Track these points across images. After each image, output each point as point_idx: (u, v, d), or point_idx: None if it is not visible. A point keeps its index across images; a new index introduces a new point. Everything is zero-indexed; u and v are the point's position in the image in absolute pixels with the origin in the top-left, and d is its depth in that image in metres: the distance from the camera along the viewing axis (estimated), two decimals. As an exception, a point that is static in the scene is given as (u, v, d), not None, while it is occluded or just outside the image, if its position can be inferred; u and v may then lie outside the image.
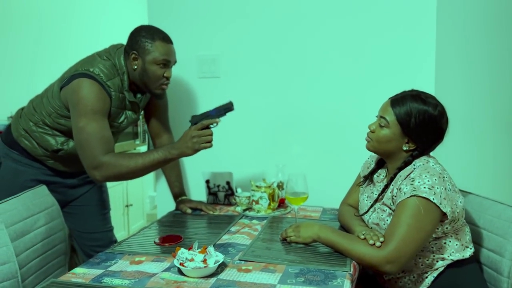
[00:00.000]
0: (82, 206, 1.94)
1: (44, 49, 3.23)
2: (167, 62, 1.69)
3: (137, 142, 3.56)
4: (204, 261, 1.19)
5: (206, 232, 1.59)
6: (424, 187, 1.24)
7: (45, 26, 3.27)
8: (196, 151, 1.61)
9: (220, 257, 1.22)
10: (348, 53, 1.92)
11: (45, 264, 1.64)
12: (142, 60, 1.67)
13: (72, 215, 1.92)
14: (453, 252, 1.33)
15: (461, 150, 2.05)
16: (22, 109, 1.85)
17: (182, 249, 1.24)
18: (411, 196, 1.25)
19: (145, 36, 1.67)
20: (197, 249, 1.24)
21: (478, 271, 1.38)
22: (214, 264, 1.19)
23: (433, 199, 1.23)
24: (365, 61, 1.90)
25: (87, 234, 1.96)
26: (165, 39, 1.69)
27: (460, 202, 1.31)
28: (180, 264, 1.19)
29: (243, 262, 1.28)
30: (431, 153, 1.41)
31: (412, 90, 1.40)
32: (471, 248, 1.36)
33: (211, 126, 1.66)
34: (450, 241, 1.33)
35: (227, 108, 1.69)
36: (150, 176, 4.06)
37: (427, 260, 1.34)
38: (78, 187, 1.91)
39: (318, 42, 1.95)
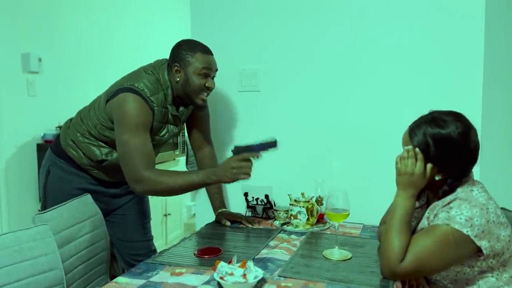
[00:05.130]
0: (124, 215, 1.99)
1: (91, 62, 3.37)
2: (208, 72, 1.72)
3: (177, 152, 3.64)
4: (244, 276, 1.19)
5: (245, 246, 1.59)
6: (460, 218, 1.19)
7: (94, 40, 3.41)
8: (234, 180, 1.62)
9: (260, 273, 1.21)
10: (392, 67, 1.89)
11: (88, 271, 1.69)
12: (184, 72, 1.71)
13: (114, 224, 1.97)
14: (501, 285, 1.26)
15: None
16: (71, 120, 1.91)
17: (222, 263, 1.24)
18: (444, 224, 1.21)
19: (186, 49, 1.71)
20: (237, 263, 1.25)
21: None
22: (254, 279, 1.18)
23: (467, 231, 1.18)
24: (410, 75, 1.87)
25: (128, 243, 2.00)
26: (205, 50, 1.73)
27: (505, 234, 1.23)
28: (220, 278, 1.19)
29: (282, 278, 1.27)
30: (475, 178, 1.35)
31: (430, 113, 1.33)
32: None
33: (252, 158, 1.67)
34: (498, 274, 1.26)
35: (271, 145, 1.71)
36: (188, 186, 4.12)
37: None
38: (120, 197, 1.96)
39: (359, 56, 1.93)
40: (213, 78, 1.77)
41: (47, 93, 2.95)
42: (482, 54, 1.77)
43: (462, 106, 1.51)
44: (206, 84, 1.73)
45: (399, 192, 1.32)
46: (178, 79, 1.72)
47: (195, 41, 1.76)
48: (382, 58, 1.90)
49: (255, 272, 1.21)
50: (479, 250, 1.20)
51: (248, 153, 1.66)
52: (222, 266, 1.23)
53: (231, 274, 1.19)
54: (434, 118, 1.29)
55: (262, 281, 1.24)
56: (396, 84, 1.89)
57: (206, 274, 1.30)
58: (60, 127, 2.89)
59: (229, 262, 1.25)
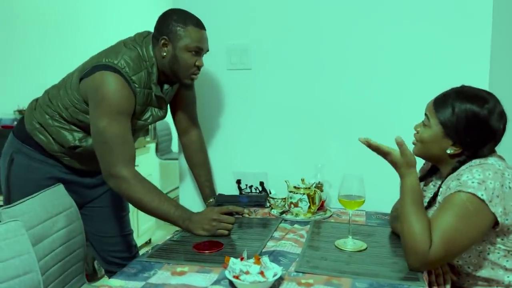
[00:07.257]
0: (100, 207, 1.80)
1: (51, 42, 3.09)
2: (200, 50, 1.55)
3: (148, 139, 3.44)
4: (262, 273, 1.04)
5: (246, 238, 1.43)
6: (473, 182, 1.12)
7: (52, 18, 3.12)
8: (210, 235, 1.43)
9: (278, 270, 1.07)
10: (395, 44, 1.77)
11: (64, 271, 1.50)
12: (173, 46, 1.52)
13: (90, 217, 1.78)
14: None
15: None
16: (37, 100, 1.69)
17: (233, 259, 1.08)
18: (456, 191, 1.13)
19: (177, 20, 1.52)
20: (250, 260, 1.09)
21: None
22: (273, 277, 1.04)
23: (482, 195, 1.10)
24: (414, 54, 1.76)
25: (105, 238, 1.82)
26: (199, 24, 1.55)
27: None
28: (234, 276, 1.03)
29: (300, 274, 1.14)
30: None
31: (460, 86, 1.27)
32: None
33: (235, 214, 1.58)
34: None
35: (259, 202, 1.69)
36: (158, 175, 3.90)
37: (503, 283, 1.21)
38: (95, 188, 1.77)
39: (359, 31, 1.80)
40: (202, 55, 1.59)
41: (2, 74, 2.65)
42: (489, 36, 1.69)
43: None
44: (196, 63, 1.55)
45: (399, 175, 1.24)
46: (164, 54, 1.53)
47: (187, 12, 1.57)
48: (382, 34, 1.78)
49: (272, 269, 1.06)
50: (495, 223, 1.13)
51: (233, 207, 1.57)
52: (234, 263, 1.07)
53: (247, 273, 1.04)
54: (462, 91, 1.24)
55: (279, 278, 1.09)
56: (396, 64, 1.78)
57: (214, 273, 1.14)
58: (19, 111, 2.61)
59: (241, 259, 1.10)
